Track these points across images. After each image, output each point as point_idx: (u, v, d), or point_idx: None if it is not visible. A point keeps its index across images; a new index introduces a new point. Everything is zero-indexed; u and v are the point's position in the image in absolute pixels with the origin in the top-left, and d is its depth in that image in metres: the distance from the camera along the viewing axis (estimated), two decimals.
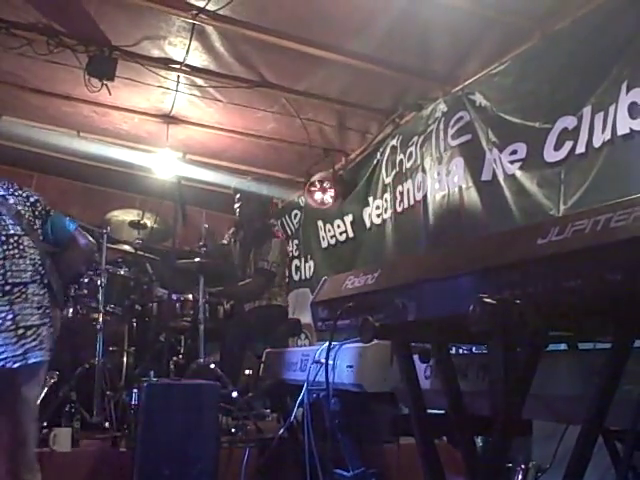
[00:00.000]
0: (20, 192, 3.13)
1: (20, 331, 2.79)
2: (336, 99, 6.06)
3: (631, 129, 3.74)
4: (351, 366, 2.96)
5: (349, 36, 4.98)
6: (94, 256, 4.22)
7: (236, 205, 5.66)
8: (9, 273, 2.85)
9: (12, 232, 2.93)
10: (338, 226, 7.09)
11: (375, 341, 2.81)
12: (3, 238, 2.90)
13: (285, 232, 7.65)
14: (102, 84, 5.40)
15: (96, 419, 4.28)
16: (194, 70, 5.64)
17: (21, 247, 2.92)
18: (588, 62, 4.13)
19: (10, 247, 2.89)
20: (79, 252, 3.31)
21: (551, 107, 4.34)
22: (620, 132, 3.79)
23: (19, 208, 3.04)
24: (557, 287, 1.48)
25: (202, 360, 4.69)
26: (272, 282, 5.47)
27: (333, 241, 7.21)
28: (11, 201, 3.04)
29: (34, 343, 2.82)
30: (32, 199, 3.14)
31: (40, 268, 2.97)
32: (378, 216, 6.38)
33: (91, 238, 3.43)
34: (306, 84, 5.83)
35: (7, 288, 2.84)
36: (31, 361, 2.80)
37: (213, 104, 6.17)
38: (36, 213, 3.11)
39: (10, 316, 2.79)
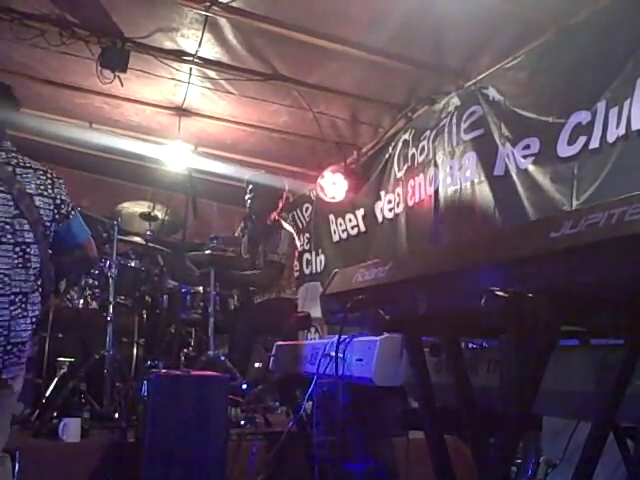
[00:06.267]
0: (50, 191, 3.01)
1: (8, 347, 2.75)
2: (349, 93, 6.04)
3: None
4: (361, 359, 2.95)
5: (362, 29, 4.95)
6: (94, 267, 4.39)
7: (247, 197, 5.66)
8: (14, 282, 2.79)
9: (21, 240, 2.83)
10: (350, 220, 7.06)
11: (385, 334, 2.82)
12: (13, 246, 2.81)
13: (296, 225, 7.63)
14: (114, 76, 5.40)
15: (105, 410, 4.30)
16: (206, 62, 5.62)
17: (26, 257, 2.83)
18: (603, 57, 4.10)
19: (16, 255, 2.81)
20: (82, 261, 3.30)
21: (565, 102, 4.30)
22: (635, 127, 3.76)
23: (41, 213, 2.93)
24: (570, 281, 1.46)
25: (212, 352, 4.70)
26: (282, 274, 5.48)
27: (344, 235, 7.19)
28: (37, 203, 2.93)
29: (14, 360, 2.78)
30: (58, 200, 3.03)
31: (39, 275, 2.90)
32: (390, 210, 6.36)
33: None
34: (319, 77, 5.80)
35: (12, 298, 2.78)
36: (3, 376, 2.76)
37: (225, 97, 6.15)
38: (56, 217, 3.01)
39: (5, 332, 2.74)
